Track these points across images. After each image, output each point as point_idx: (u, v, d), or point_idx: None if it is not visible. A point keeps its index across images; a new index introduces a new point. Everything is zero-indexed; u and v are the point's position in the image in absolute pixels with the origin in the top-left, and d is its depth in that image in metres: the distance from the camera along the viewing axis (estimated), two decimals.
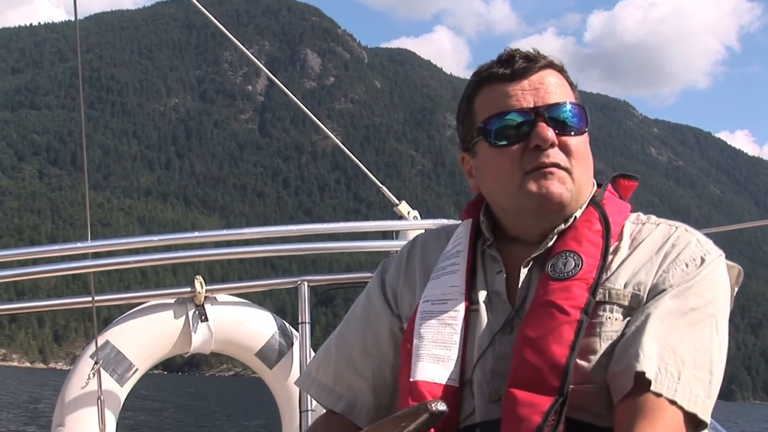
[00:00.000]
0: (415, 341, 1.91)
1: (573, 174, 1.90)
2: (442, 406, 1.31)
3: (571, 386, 1.73)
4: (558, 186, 1.87)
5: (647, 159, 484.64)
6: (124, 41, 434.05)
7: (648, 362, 1.69)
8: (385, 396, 2.01)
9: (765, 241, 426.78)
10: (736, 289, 1.94)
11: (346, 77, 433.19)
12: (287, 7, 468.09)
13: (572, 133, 1.92)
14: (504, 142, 1.91)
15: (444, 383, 1.85)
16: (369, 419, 2.04)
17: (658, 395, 1.67)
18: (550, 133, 1.87)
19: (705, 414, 1.71)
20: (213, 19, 4.63)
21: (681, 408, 1.69)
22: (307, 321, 4.15)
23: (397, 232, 4.37)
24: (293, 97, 4.78)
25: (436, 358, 1.87)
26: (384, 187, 4.63)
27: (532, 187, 1.87)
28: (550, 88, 1.93)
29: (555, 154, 1.89)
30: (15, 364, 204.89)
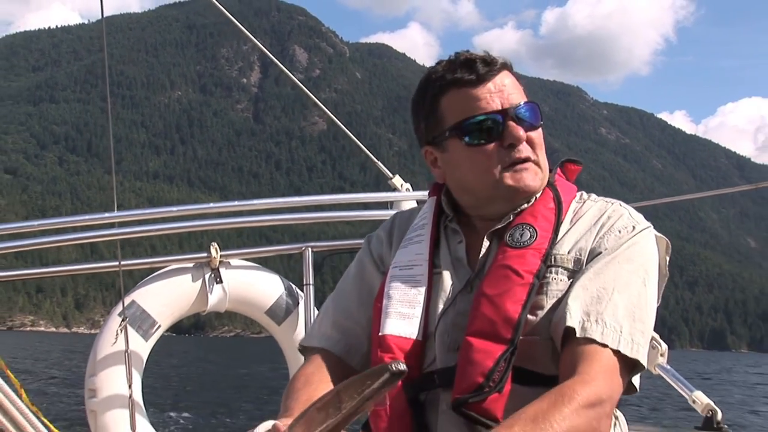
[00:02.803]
0: (384, 301, 1.94)
1: (540, 164, 1.94)
2: (401, 366, 1.31)
3: (521, 337, 1.76)
4: (532, 178, 1.91)
5: (598, 138, 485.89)
6: (132, 41, 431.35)
7: (577, 317, 1.73)
8: None
9: (701, 209, 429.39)
10: (668, 258, 1.98)
11: (330, 70, 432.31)
12: (276, 8, 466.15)
13: (534, 128, 1.94)
14: (480, 141, 1.91)
15: (408, 337, 1.88)
16: (362, 362, 2.04)
17: (604, 345, 1.71)
18: (521, 132, 1.90)
19: (643, 357, 1.75)
20: (235, 21, 4.58)
21: (621, 354, 1.72)
22: (311, 282, 4.15)
23: (392, 202, 4.33)
24: (300, 84, 4.72)
25: (402, 316, 1.90)
26: (380, 163, 4.57)
27: (510, 181, 1.90)
28: (510, 89, 1.94)
29: (525, 150, 1.91)
30: (42, 329, 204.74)
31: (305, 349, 2.11)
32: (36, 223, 3.96)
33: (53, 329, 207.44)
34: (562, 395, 1.61)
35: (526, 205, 1.95)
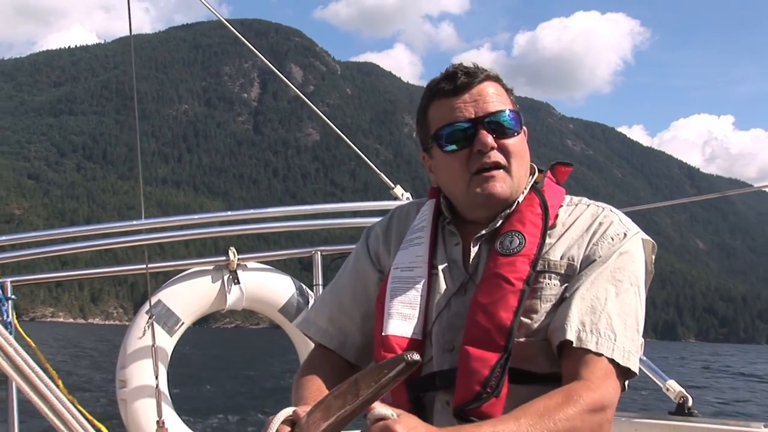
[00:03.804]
0: (386, 302, 1.89)
1: (511, 170, 1.86)
2: (416, 357, 1.30)
3: (516, 340, 1.73)
4: (499, 186, 1.84)
5: (565, 149, 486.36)
6: (144, 59, 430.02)
7: (574, 328, 1.70)
8: (371, 337, 1.96)
9: (656, 214, 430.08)
10: (653, 257, 1.93)
11: (323, 86, 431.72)
12: (275, 30, 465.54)
13: (509, 136, 1.87)
14: (453, 148, 1.87)
15: (409, 336, 1.84)
16: (357, 355, 2.02)
17: (600, 354, 1.68)
18: (489, 139, 1.83)
19: (635, 366, 1.72)
20: (244, 40, 4.58)
21: (615, 362, 1.69)
22: (320, 283, 4.16)
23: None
24: (304, 97, 4.76)
25: (403, 316, 1.86)
26: (382, 174, 4.51)
27: (477, 188, 1.85)
28: (488, 98, 1.87)
29: (495, 156, 1.84)
30: (61, 320, 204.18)
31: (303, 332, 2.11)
32: (71, 230, 4.05)
33: (71, 320, 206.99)
34: (569, 397, 1.59)
35: (508, 211, 1.89)
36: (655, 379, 3.38)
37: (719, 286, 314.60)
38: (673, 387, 3.29)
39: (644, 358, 3.22)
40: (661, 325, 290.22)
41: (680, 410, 3.22)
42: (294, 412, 1.54)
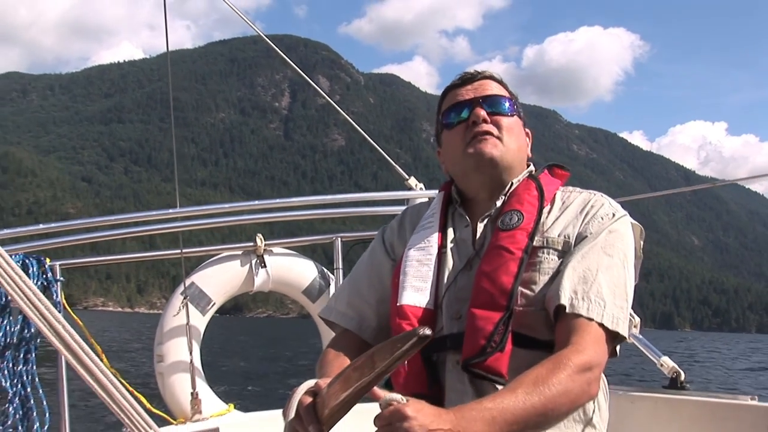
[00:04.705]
0: (401, 276, 1.93)
1: (503, 141, 1.92)
2: (428, 331, 1.28)
3: (518, 308, 1.76)
4: (490, 147, 1.90)
5: (570, 153, 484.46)
6: (185, 72, 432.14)
7: (567, 295, 1.73)
8: (385, 319, 1.99)
9: (654, 213, 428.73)
10: (642, 242, 1.97)
11: (348, 95, 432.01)
12: (304, 44, 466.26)
13: (503, 115, 1.93)
14: (452, 123, 1.95)
15: (422, 307, 1.87)
16: (373, 336, 2.03)
17: (590, 319, 1.70)
18: (482, 112, 1.91)
19: (624, 330, 1.75)
20: (281, 53, 4.58)
21: (605, 327, 1.71)
22: (340, 267, 4.14)
23: (408, 199, 4.20)
24: (333, 103, 4.78)
25: (416, 289, 1.89)
26: (398, 166, 4.45)
27: (470, 150, 1.91)
28: (487, 87, 1.97)
29: (486, 126, 1.91)
30: (110, 309, 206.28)
31: (325, 321, 2.13)
32: (113, 217, 4.04)
33: (119, 309, 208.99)
34: (559, 362, 1.62)
35: (508, 192, 1.94)
36: (650, 356, 3.38)
37: (713, 279, 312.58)
38: (667, 363, 3.28)
39: (640, 337, 3.29)
40: (659, 315, 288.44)
41: (673, 384, 3.21)
42: (316, 383, 1.55)
